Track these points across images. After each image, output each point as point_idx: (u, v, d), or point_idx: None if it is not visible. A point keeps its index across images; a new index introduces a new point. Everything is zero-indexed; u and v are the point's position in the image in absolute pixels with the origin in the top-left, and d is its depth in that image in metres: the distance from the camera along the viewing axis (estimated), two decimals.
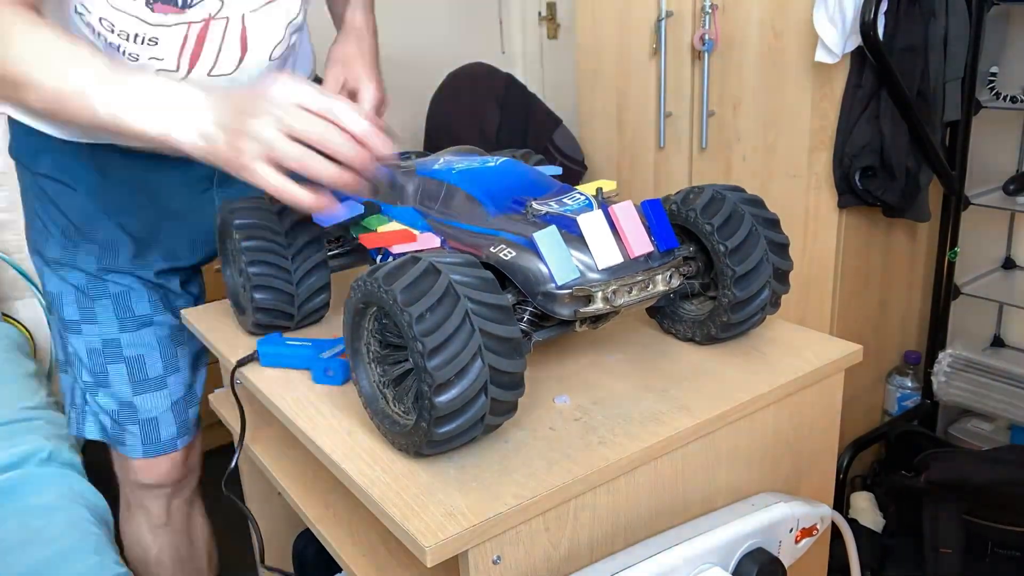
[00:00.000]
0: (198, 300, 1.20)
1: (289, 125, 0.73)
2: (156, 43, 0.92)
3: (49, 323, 1.18)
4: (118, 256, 1.09)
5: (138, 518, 1.25)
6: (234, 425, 0.97)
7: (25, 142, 1.07)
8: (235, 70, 0.98)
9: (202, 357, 1.21)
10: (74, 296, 1.10)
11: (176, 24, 0.91)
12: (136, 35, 0.91)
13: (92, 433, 1.16)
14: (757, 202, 0.78)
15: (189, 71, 0.95)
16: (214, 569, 1.35)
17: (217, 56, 0.96)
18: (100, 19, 0.89)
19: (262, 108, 0.74)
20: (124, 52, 0.92)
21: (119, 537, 1.33)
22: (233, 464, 0.91)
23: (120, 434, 1.15)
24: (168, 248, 1.12)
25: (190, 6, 0.90)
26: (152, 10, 0.89)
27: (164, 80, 0.82)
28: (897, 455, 1.66)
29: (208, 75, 0.97)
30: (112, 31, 0.90)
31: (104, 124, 0.81)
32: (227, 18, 0.93)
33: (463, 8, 2.62)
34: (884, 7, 1.38)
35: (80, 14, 0.90)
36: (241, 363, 0.85)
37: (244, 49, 0.97)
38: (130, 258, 1.10)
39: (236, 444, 0.89)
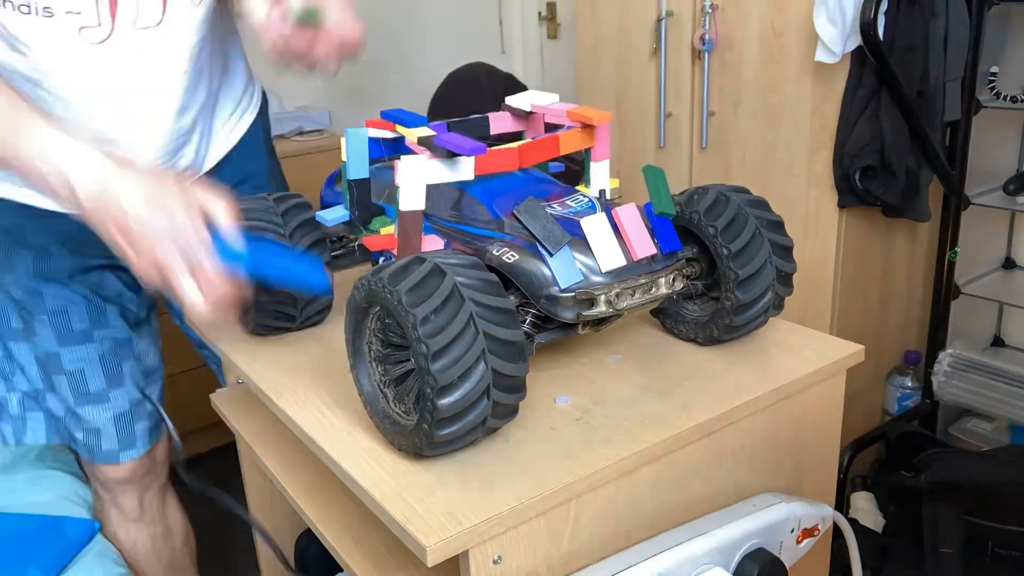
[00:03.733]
0: (151, 308, 1.18)
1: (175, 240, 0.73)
2: None
3: None
4: (52, 257, 1.06)
5: (112, 512, 1.26)
6: (239, 428, 0.97)
7: None
8: (160, 21, 0.94)
9: (157, 372, 1.20)
10: (14, 307, 1.09)
11: None
12: None
13: (37, 438, 1.15)
14: (761, 204, 0.78)
15: (112, 24, 0.91)
16: (191, 554, 1.37)
17: (138, 3, 0.91)
18: None
19: (160, 203, 0.73)
20: (36, 7, 0.87)
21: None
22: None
23: (70, 438, 1.15)
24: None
25: None
26: None
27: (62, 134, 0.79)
28: (897, 455, 1.66)
29: (135, 27, 0.92)
30: None
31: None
32: None
33: (463, 8, 2.62)
34: (884, 7, 1.38)
35: None
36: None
37: None
38: (67, 255, 1.06)
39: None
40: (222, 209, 0.75)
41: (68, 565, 1.17)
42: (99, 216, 0.75)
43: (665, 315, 0.85)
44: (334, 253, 0.94)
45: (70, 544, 1.18)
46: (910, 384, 1.78)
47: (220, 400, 1.09)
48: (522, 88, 2.25)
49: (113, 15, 0.91)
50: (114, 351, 1.12)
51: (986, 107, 1.57)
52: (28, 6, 0.86)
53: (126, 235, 0.74)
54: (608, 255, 0.68)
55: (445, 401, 0.59)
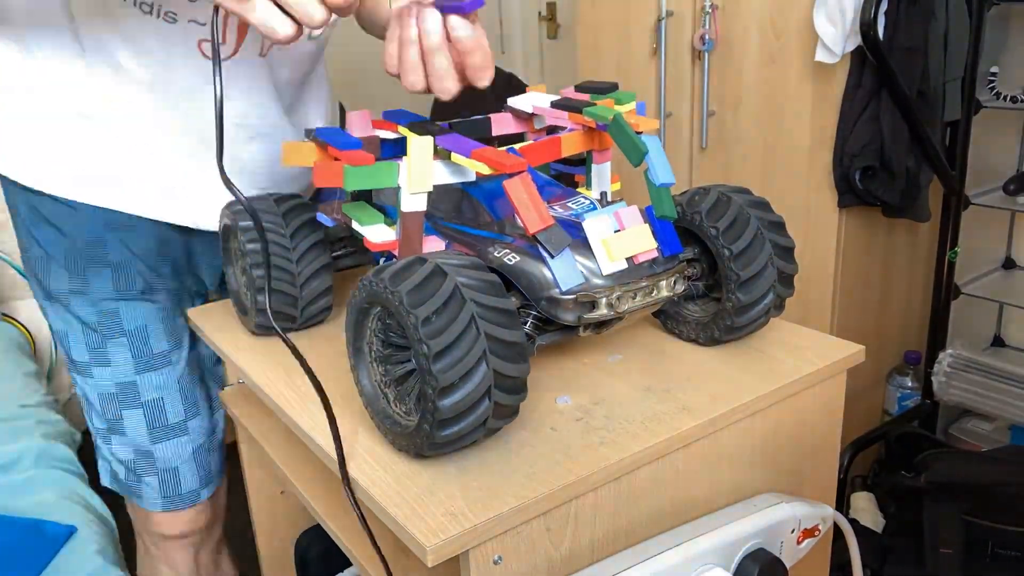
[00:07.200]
0: None
1: None
2: None
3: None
4: (130, 275, 0.99)
5: (162, 571, 1.14)
6: (248, 425, 0.97)
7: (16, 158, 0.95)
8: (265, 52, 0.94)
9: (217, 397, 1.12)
10: (82, 334, 0.99)
11: None
12: None
13: (105, 481, 1.07)
14: (763, 204, 0.78)
15: (236, 48, 0.91)
16: None
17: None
18: None
19: None
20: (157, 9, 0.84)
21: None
22: None
23: (136, 485, 1.04)
24: (179, 264, 1.04)
25: None
26: None
27: None
28: (897, 455, 1.67)
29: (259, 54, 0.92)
30: None
31: None
32: None
33: None
34: (884, 7, 1.39)
35: None
36: None
37: None
38: (146, 271, 1.00)
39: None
40: None
41: (63, 563, 1.17)
42: None
43: (666, 316, 0.85)
44: (335, 253, 0.95)
45: (48, 544, 1.17)
46: (910, 384, 1.79)
47: (227, 397, 1.09)
48: (522, 88, 2.25)
49: (239, 42, 0.91)
50: (191, 374, 1.05)
51: (986, 107, 1.57)
52: (149, 5, 0.84)
53: None
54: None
55: (446, 402, 0.59)
